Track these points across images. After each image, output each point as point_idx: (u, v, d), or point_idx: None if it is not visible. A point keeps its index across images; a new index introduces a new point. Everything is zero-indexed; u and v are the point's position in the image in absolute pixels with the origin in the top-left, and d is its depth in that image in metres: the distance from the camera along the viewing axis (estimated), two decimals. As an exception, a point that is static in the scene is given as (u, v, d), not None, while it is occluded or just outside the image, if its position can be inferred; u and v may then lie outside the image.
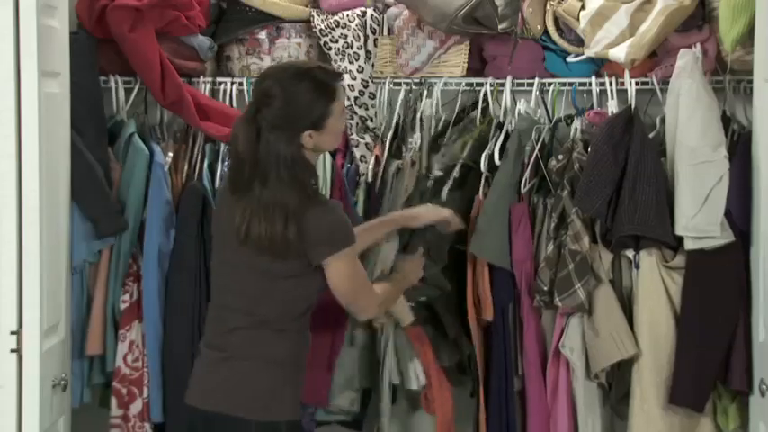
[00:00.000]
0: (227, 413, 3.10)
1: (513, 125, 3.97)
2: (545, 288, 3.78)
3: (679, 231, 3.74)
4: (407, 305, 3.76)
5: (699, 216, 3.72)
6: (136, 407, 3.93)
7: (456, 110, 4.14)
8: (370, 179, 4.00)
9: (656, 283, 3.78)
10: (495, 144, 3.93)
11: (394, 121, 4.08)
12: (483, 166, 3.86)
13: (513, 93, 4.06)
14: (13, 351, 3.19)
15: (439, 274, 3.78)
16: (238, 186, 3.16)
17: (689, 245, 3.75)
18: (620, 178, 3.77)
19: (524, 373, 3.87)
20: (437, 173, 3.92)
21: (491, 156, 3.89)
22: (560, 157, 3.89)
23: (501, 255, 3.86)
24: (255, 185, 3.13)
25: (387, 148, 4.02)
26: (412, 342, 3.91)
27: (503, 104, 4.03)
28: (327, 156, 3.93)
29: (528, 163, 3.97)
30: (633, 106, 3.89)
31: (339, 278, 3.13)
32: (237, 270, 3.16)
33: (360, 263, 3.23)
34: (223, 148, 3.97)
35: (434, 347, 3.93)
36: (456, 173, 3.90)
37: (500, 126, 4.01)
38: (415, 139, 4.00)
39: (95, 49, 3.97)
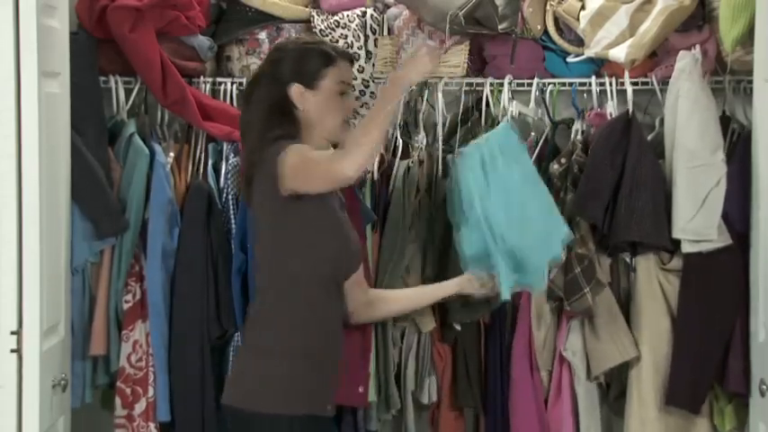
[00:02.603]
0: (229, 404, 3.13)
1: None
2: (560, 293, 3.75)
3: (676, 234, 3.73)
4: (430, 310, 3.76)
5: (696, 219, 3.70)
6: (140, 407, 3.90)
7: (460, 109, 4.13)
8: (377, 177, 3.94)
9: (653, 286, 3.79)
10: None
11: (397, 121, 4.07)
12: None
13: (511, 93, 4.04)
14: (13, 351, 3.18)
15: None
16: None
17: (686, 248, 3.74)
18: (617, 183, 3.76)
19: (512, 375, 3.87)
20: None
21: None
22: (562, 160, 3.86)
23: None
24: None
25: (392, 148, 4.01)
26: (434, 358, 3.93)
27: (501, 105, 4.02)
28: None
29: None
30: (631, 110, 3.86)
31: (293, 168, 3.02)
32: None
33: (313, 150, 3.07)
34: (225, 147, 3.97)
35: (454, 382, 3.99)
36: None
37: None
38: (420, 139, 4.00)
39: (95, 49, 3.97)
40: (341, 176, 2.91)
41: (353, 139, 2.92)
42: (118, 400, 3.90)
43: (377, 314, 3.46)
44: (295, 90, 3.15)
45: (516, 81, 4.10)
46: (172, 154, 4.03)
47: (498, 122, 3.97)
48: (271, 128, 3.09)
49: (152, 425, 3.88)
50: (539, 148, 3.96)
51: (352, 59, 3.27)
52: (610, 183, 3.75)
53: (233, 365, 3.39)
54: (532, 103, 4.05)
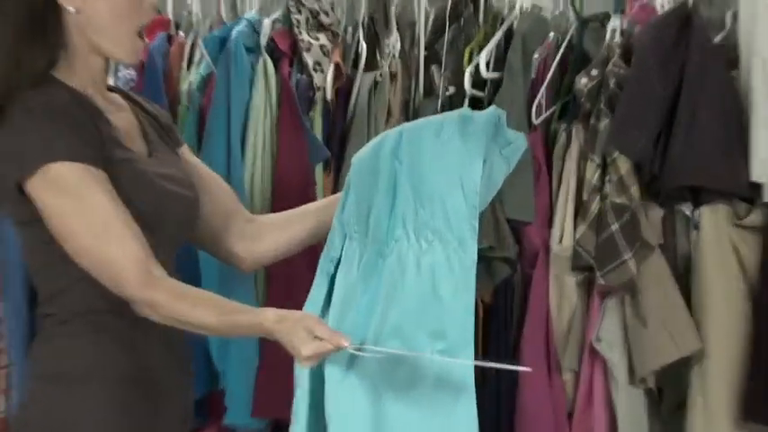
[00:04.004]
0: None
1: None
2: (589, 260, 3.20)
3: (756, 177, 3.16)
4: None
5: (783, 155, 3.08)
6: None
7: (448, 4, 3.58)
8: (330, 96, 3.44)
9: (723, 249, 3.22)
10: (487, 52, 3.33)
11: (361, 16, 3.57)
12: (467, 83, 3.30)
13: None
14: None
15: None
16: None
17: (769, 195, 3.12)
18: (671, 105, 3.19)
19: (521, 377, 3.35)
20: (448, 91, 3.41)
21: (477, 68, 3.32)
22: (593, 72, 3.26)
23: (522, 205, 3.23)
24: None
25: (352, 54, 3.54)
26: None
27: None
28: (268, 63, 3.34)
29: (542, 80, 3.32)
30: (691, 0, 3.25)
31: (52, 220, 2.32)
32: None
33: (103, 196, 2.32)
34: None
35: None
36: (470, 90, 3.33)
37: (509, 27, 3.42)
38: (393, 42, 3.53)
39: None
40: (126, 291, 2.30)
41: (196, 299, 2.32)
42: None
43: (268, 247, 2.72)
44: None
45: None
46: None
47: (502, 19, 3.42)
48: (18, 53, 2.35)
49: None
50: (560, 55, 3.36)
51: None
52: (661, 104, 3.18)
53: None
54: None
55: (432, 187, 2.31)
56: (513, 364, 2.35)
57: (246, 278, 3.15)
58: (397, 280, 2.30)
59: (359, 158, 2.40)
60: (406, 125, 2.43)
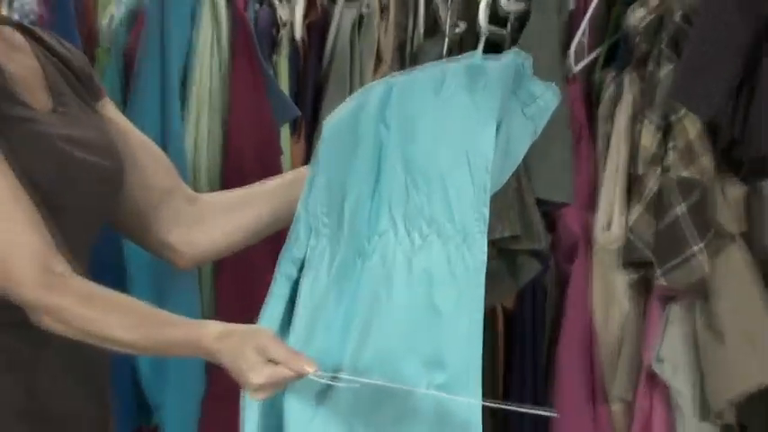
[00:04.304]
0: None
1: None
2: (646, 253, 2.96)
3: None
4: None
5: None
6: None
7: None
8: (299, 34, 3.23)
9: None
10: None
11: None
12: (482, 18, 3.06)
13: None
14: None
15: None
16: None
17: None
18: (757, 46, 2.88)
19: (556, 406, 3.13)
20: (457, 28, 3.17)
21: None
22: (652, 2, 3.02)
23: (556, 182, 3.01)
24: None
25: None
26: None
27: None
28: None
29: (583, 13, 3.08)
30: None
31: None
32: None
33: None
34: None
35: None
36: (487, 28, 3.09)
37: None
38: None
39: None
40: (20, 294, 2.08)
41: (111, 304, 2.08)
42: None
43: (212, 236, 2.45)
44: None
45: None
46: None
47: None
48: None
49: None
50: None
51: None
52: (743, 44, 2.86)
53: None
54: None
55: (428, 162, 2.07)
56: (539, 404, 2.32)
57: (188, 277, 2.96)
58: (380, 288, 2.04)
59: (332, 123, 2.16)
60: (397, 77, 2.17)
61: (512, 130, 2.15)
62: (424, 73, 2.16)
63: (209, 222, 2.38)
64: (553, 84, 2.19)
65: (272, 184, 2.39)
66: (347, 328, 2.05)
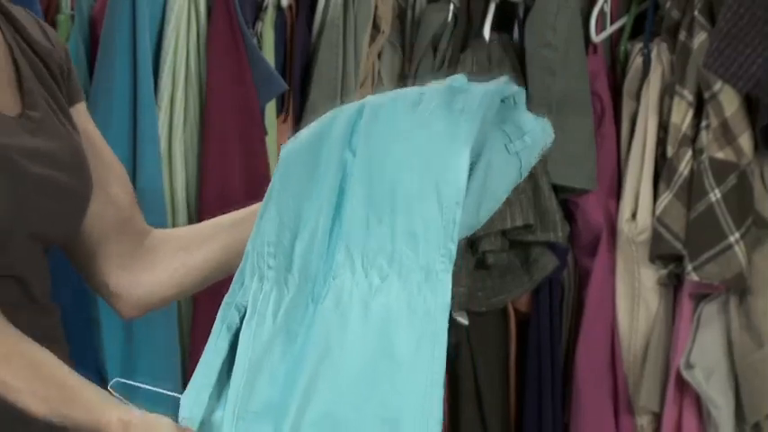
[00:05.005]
0: None
1: None
2: (677, 244, 2.89)
3: None
4: None
5: None
6: None
7: None
8: (286, 2, 3.10)
9: None
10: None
11: None
12: None
13: None
14: None
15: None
16: None
17: None
18: None
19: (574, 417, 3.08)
20: None
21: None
22: None
23: (575, 166, 2.94)
24: None
25: None
26: None
27: None
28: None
29: None
30: None
31: None
32: None
33: None
34: None
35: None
36: None
37: None
38: None
39: None
40: None
41: (20, 368, 1.77)
42: None
43: (159, 278, 2.12)
44: None
45: None
46: None
47: None
48: None
49: None
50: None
51: None
52: None
53: None
54: None
55: (395, 191, 1.85)
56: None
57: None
58: (333, 335, 1.83)
59: (291, 147, 1.95)
60: (370, 97, 1.95)
61: (493, 164, 1.86)
62: (400, 93, 1.89)
63: (158, 263, 2.13)
64: (545, 119, 1.86)
65: (226, 219, 2.11)
66: (291, 385, 1.85)
